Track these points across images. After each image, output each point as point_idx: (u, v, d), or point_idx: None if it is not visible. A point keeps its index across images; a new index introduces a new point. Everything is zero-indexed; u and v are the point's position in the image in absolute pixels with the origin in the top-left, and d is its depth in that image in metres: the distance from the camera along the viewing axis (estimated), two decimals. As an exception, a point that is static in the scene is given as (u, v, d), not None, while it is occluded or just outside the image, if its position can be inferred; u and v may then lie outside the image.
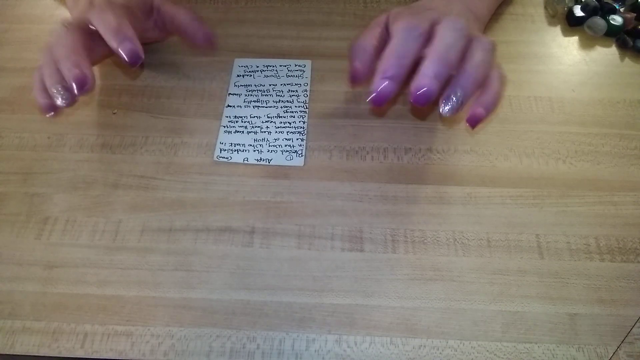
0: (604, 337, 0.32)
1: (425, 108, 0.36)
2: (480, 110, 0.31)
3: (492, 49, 0.31)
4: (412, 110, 0.42)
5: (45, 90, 0.36)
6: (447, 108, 0.30)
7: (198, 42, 0.41)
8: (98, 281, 0.34)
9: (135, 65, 0.35)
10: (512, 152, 0.39)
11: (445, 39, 0.30)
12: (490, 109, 0.31)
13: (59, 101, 0.35)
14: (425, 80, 0.29)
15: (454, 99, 0.29)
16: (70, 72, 0.34)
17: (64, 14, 0.50)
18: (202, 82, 0.44)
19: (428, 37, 0.31)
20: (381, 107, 0.31)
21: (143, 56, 0.36)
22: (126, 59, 0.35)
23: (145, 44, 0.46)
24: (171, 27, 0.42)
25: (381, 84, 0.30)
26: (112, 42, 0.35)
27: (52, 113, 0.36)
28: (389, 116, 0.42)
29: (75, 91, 0.34)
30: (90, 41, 0.37)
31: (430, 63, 0.29)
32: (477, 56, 0.30)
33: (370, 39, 0.36)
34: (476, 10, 0.40)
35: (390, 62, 0.30)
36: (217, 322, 0.32)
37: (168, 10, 0.41)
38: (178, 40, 0.47)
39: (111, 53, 0.38)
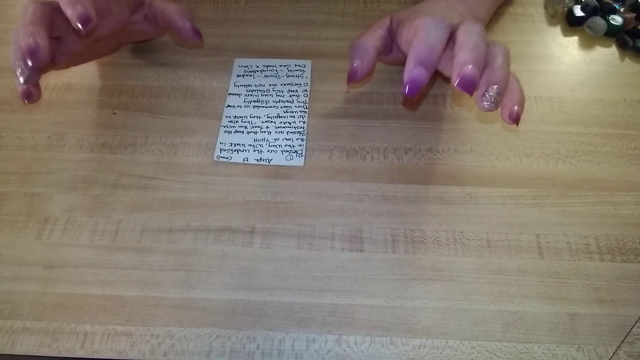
0: (604, 337, 0.32)
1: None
2: (517, 108, 0.31)
3: (509, 53, 0.32)
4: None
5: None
6: (486, 104, 0.30)
7: (184, 36, 0.40)
8: (98, 281, 0.34)
9: (86, 26, 0.32)
10: (512, 152, 0.39)
11: (472, 36, 0.30)
12: (523, 104, 0.32)
13: (20, 78, 0.33)
14: (467, 68, 0.29)
15: (492, 94, 0.30)
16: (23, 43, 0.32)
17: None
18: (202, 82, 0.44)
19: (452, 33, 0.32)
20: (415, 96, 0.31)
21: (94, 18, 0.33)
22: (77, 22, 0.32)
23: (140, 41, 0.46)
24: (162, 21, 0.41)
25: (415, 72, 0.30)
26: (66, 8, 0.32)
27: (28, 98, 0.34)
28: (389, 116, 0.42)
29: (29, 62, 0.32)
30: (55, 15, 0.34)
31: (466, 53, 0.29)
32: (500, 58, 0.31)
33: (371, 39, 0.36)
34: (477, 13, 0.41)
35: (422, 50, 0.30)
36: (217, 322, 0.32)
37: (158, 4, 0.41)
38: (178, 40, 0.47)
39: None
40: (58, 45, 0.37)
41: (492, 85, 0.30)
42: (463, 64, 0.29)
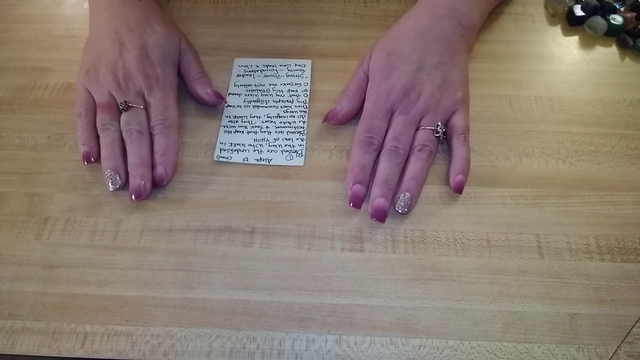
0: (604, 337, 0.32)
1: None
2: (460, 177, 0.37)
3: (429, 155, 0.37)
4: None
5: (91, 138, 0.38)
6: (399, 209, 0.36)
7: (205, 102, 0.42)
8: (98, 281, 0.34)
9: (139, 199, 0.37)
10: (512, 152, 0.39)
11: (385, 168, 0.36)
12: (467, 172, 0.37)
13: (109, 186, 0.37)
14: (378, 201, 0.35)
15: (405, 200, 0.36)
16: (133, 181, 0.36)
17: (64, 13, 0.50)
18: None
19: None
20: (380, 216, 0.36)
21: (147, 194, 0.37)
22: (133, 195, 0.36)
23: None
24: (181, 78, 0.43)
25: (355, 190, 0.36)
26: (131, 173, 0.37)
27: (86, 163, 0.38)
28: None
29: (132, 198, 0.36)
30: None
31: (377, 188, 0.36)
32: (416, 165, 0.37)
33: (354, 83, 0.41)
34: (467, 22, 0.41)
35: (355, 169, 0.37)
36: (217, 322, 0.32)
37: (183, 64, 0.42)
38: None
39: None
40: None
41: (404, 192, 0.36)
42: (374, 197, 0.36)
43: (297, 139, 0.40)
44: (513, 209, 0.37)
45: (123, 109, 0.38)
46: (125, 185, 0.37)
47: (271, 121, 0.41)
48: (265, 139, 0.40)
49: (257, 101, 0.43)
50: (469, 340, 0.32)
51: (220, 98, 0.41)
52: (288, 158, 0.39)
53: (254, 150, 0.40)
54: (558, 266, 0.34)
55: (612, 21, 0.46)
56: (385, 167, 0.36)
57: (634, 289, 0.33)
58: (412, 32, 0.40)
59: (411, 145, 0.38)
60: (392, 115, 0.39)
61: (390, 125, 0.38)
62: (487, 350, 0.31)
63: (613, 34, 0.46)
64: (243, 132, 0.41)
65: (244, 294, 0.33)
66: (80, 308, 0.33)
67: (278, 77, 0.44)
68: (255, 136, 0.41)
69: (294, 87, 0.44)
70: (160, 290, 0.33)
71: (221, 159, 0.39)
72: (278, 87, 0.44)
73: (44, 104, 0.43)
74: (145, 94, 0.39)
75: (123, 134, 0.38)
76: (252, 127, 0.41)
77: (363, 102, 0.41)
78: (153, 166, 0.37)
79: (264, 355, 0.31)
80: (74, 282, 0.34)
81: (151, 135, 0.38)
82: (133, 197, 0.36)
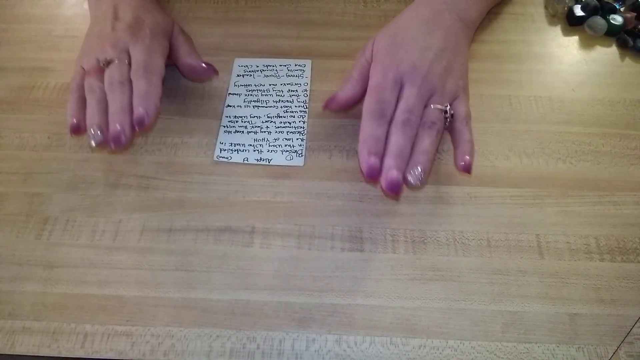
0: (604, 337, 0.32)
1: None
2: (468, 158, 0.35)
3: (438, 133, 0.35)
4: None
5: (80, 111, 0.36)
6: (411, 179, 0.34)
7: (199, 74, 0.42)
8: (98, 281, 0.34)
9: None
10: (512, 152, 0.39)
11: (398, 138, 0.34)
12: (473, 154, 0.36)
13: (91, 141, 0.35)
14: (392, 173, 0.33)
15: (416, 173, 0.34)
16: (112, 127, 0.35)
17: (64, 13, 0.50)
18: (202, 82, 0.44)
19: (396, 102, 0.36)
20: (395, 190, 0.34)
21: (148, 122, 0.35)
22: (112, 142, 0.35)
23: None
24: (173, 57, 0.42)
25: (371, 162, 0.34)
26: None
27: (74, 134, 0.36)
28: (389, 116, 0.41)
29: (112, 146, 0.35)
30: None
31: (390, 159, 0.34)
32: (426, 141, 0.35)
33: (356, 71, 0.40)
34: (466, 17, 0.41)
35: (368, 140, 0.35)
36: (217, 322, 0.32)
37: (175, 44, 0.42)
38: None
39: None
40: None
41: (417, 165, 0.34)
42: (388, 169, 0.33)
43: (297, 139, 0.40)
44: (513, 209, 0.37)
45: (104, 65, 0.37)
46: (106, 140, 0.35)
47: (271, 121, 0.41)
48: (265, 139, 0.40)
49: (257, 101, 0.43)
50: (469, 340, 0.32)
51: (211, 67, 0.41)
52: (288, 158, 0.39)
53: (254, 150, 0.40)
54: (558, 266, 0.34)
55: (612, 21, 0.46)
56: (398, 139, 0.35)
57: (634, 289, 0.33)
58: (415, 20, 0.40)
59: (421, 121, 0.36)
60: (400, 88, 0.37)
61: (401, 98, 0.36)
62: (487, 350, 0.31)
63: (613, 34, 0.46)
64: (243, 132, 0.41)
65: (244, 294, 0.33)
66: (80, 308, 0.33)
67: (278, 77, 0.44)
68: (255, 136, 0.41)
69: (294, 87, 0.44)
70: (160, 290, 0.33)
71: (221, 159, 0.39)
72: (278, 87, 0.44)
73: (44, 104, 0.43)
74: (130, 48, 0.38)
75: (105, 89, 0.37)
76: (252, 127, 0.41)
77: (366, 90, 0.39)
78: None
79: (264, 355, 0.31)
80: (74, 282, 0.34)
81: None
82: (112, 145, 0.35)
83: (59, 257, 0.35)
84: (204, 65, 0.41)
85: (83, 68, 0.39)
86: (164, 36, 0.40)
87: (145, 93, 0.36)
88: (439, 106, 0.36)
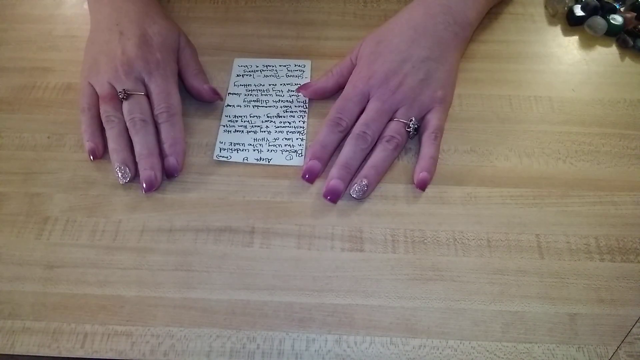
0: (604, 337, 0.32)
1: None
2: (425, 175, 0.37)
3: (396, 147, 0.37)
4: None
5: (96, 133, 0.38)
6: (354, 194, 0.36)
7: (202, 98, 0.42)
8: (98, 281, 0.34)
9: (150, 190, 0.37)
10: (512, 152, 0.39)
11: (348, 152, 0.37)
12: (433, 171, 0.37)
13: (120, 179, 0.37)
14: (332, 181, 0.36)
15: (361, 185, 0.36)
16: (144, 173, 0.36)
17: (64, 13, 0.50)
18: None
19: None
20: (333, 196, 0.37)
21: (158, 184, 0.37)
22: (144, 186, 0.36)
23: None
24: (180, 75, 0.42)
25: (310, 164, 0.37)
26: (140, 163, 0.37)
27: (94, 159, 0.38)
28: (389, 116, 0.41)
29: (143, 190, 0.37)
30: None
31: (335, 170, 0.37)
32: (379, 155, 0.37)
33: (335, 66, 0.42)
34: (462, 18, 0.41)
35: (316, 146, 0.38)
36: (217, 322, 0.32)
37: (182, 60, 0.42)
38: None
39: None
40: None
41: (362, 179, 0.36)
42: (330, 177, 0.36)
43: (297, 139, 0.40)
44: (513, 209, 0.37)
45: (123, 98, 0.38)
46: (135, 177, 0.37)
47: (271, 121, 0.41)
48: (265, 139, 0.40)
49: (257, 101, 0.43)
50: (469, 340, 0.32)
51: (216, 94, 0.41)
52: (288, 158, 0.39)
53: (254, 150, 0.40)
54: (558, 266, 0.34)
55: (612, 21, 0.46)
56: (348, 151, 0.37)
57: (634, 289, 0.33)
58: (404, 25, 0.40)
59: (380, 135, 0.38)
60: (367, 101, 0.38)
61: (364, 111, 0.38)
62: (487, 350, 0.31)
63: (613, 34, 0.46)
64: (243, 131, 0.41)
65: (244, 294, 0.33)
66: (80, 308, 0.33)
67: (278, 77, 0.44)
68: (255, 136, 0.41)
69: (293, 87, 0.44)
70: (160, 290, 0.33)
71: (221, 158, 0.39)
72: (278, 87, 0.44)
73: (44, 104, 0.43)
74: (146, 79, 0.39)
75: (127, 124, 0.38)
76: (252, 126, 0.41)
77: (339, 86, 0.41)
78: (162, 156, 0.37)
79: (264, 355, 0.31)
80: (74, 282, 0.34)
81: (156, 123, 0.38)
82: (145, 188, 0.36)
83: (59, 257, 0.35)
84: (207, 89, 0.41)
85: (92, 86, 0.39)
86: (172, 54, 0.41)
87: (173, 141, 0.37)
88: (402, 120, 0.38)
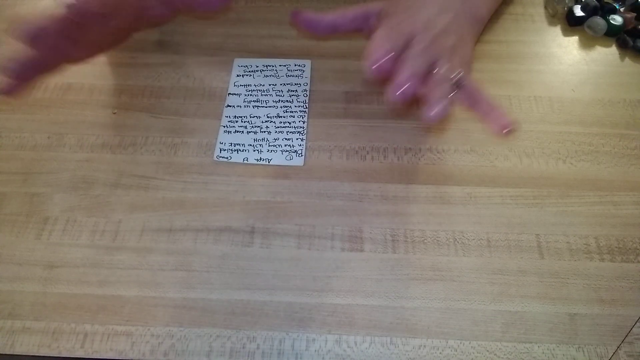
0: (604, 337, 0.32)
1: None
2: (504, 118, 0.32)
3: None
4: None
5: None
6: (435, 105, 0.31)
7: (210, 5, 0.39)
8: (98, 281, 0.34)
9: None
10: (512, 152, 0.39)
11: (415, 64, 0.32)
12: (504, 111, 0.32)
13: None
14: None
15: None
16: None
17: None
18: (202, 82, 0.44)
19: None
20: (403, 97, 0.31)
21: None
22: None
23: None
24: (179, 1, 0.40)
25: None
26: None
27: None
28: (389, 116, 0.42)
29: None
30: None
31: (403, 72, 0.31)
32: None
33: (346, 11, 0.37)
34: (475, 11, 0.40)
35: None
36: (217, 322, 0.32)
37: None
38: (179, 40, 0.47)
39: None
40: (77, 35, 0.37)
41: (441, 92, 0.30)
42: (401, 78, 0.31)
43: (297, 139, 0.40)
44: (513, 209, 0.37)
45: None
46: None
47: (271, 121, 0.41)
48: (265, 139, 0.40)
49: (257, 101, 0.43)
50: (469, 340, 0.32)
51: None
52: (288, 158, 0.39)
53: (254, 150, 0.40)
54: (558, 266, 0.34)
55: (611, 21, 0.46)
56: (415, 62, 0.32)
57: (634, 289, 0.33)
58: (420, 8, 0.36)
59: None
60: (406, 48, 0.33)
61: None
62: (487, 350, 0.31)
63: (613, 34, 0.46)
64: (243, 132, 0.41)
65: (244, 294, 0.33)
66: (80, 308, 0.33)
67: (278, 77, 0.44)
68: (255, 136, 0.41)
69: (293, 87, 0.44)
70: (160, 290, 0.33)
71: (221, 159, 0.39)
72: (278, 87, 0.44)
73: (44, 104, 0.43)
74: None
75: None
76: (252, 127, 0.41)
77: (356, 23, 0.37)
78: None
79: (264, 355, 0.31)
80: (74, 282, 0.34)
81: None
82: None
83: (59, 257, 0.35)
84: None
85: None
86: None
87: None
88: (447, 70, 0.33)
